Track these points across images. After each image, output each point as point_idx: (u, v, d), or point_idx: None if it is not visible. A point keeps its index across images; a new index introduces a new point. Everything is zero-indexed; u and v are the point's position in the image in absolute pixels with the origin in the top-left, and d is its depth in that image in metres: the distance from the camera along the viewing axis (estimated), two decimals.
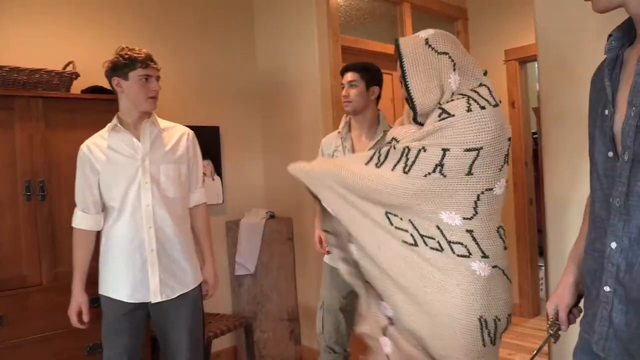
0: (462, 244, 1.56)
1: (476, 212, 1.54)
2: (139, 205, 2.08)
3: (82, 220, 2.12)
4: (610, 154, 1.11)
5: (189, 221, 2.27)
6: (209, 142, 3.46)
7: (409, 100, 1.66)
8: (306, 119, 3.42)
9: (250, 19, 3.78)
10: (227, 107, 3.62)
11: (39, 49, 2.78)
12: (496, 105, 1.55)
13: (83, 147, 2.14)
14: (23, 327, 2.35)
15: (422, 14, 4.10)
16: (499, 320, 1.59)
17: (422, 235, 1.60)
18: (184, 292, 2.16)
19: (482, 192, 1.53)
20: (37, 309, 2.40)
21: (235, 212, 3.57)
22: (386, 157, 1.66)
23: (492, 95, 1.57)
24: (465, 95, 1.56)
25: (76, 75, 2.66)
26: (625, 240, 1.05)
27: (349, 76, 2.43)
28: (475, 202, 1.53)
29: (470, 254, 1.56)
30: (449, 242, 1.57)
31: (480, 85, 1.60)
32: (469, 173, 1.51)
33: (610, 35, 1.18)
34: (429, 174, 1.52)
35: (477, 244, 1.55)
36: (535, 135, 4.37)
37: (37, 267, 2.42)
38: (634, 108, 1.05)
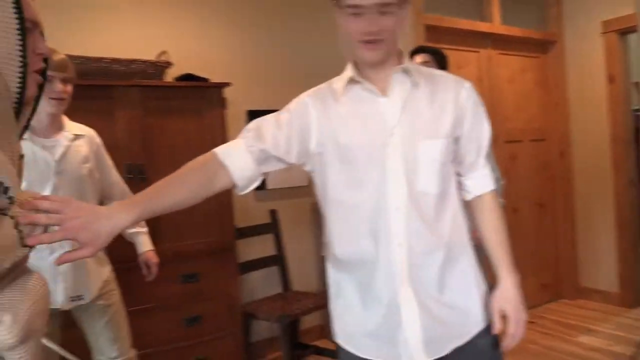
0: None
1: None
2: None
3: None
4: None
5: None
6: None
7: None
8: None
9: None
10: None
11: (134, 40, 2.93)
12: None
13: None
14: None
15: None
16: None
17: None
18: None
19: None
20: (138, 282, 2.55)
21: None
22: None
23: None
24: None
25: (169, 64, 2.79)
26: None
27: (422, 57, 2.41)
28: None
29: None
30: None
31: None
32: None
33: None
34: None
35: None
36: (638, 112, 4.08)
37: None
38: None
